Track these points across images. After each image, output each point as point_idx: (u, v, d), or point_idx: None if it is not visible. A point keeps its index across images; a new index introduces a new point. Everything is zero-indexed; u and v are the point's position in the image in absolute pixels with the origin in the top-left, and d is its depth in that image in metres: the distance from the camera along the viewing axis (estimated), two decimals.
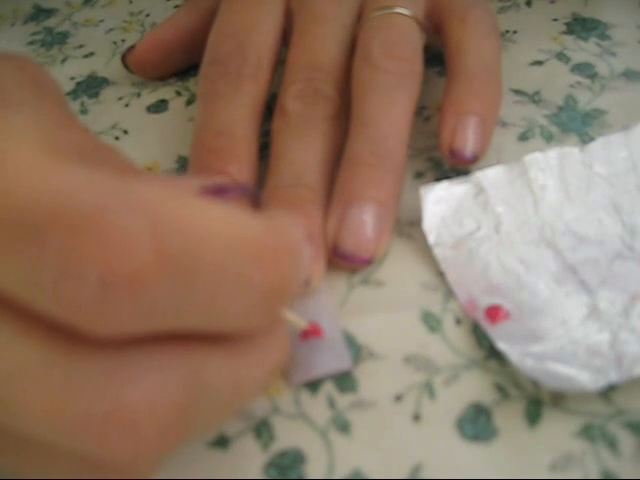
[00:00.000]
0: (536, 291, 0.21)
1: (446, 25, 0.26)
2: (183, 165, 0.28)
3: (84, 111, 0.32)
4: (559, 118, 0.27)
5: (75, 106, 0.32)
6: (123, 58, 0.32)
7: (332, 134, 0.25)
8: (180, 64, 0.33)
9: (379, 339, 0.21)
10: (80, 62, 0.36)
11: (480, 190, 0.24)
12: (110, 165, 0.18)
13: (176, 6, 0.39)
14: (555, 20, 0.33)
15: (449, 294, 0.22)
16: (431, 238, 0.23)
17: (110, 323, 0.13)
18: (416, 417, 0.19)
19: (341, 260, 0.22)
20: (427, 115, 0.29)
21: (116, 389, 0.13)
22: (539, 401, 0.19)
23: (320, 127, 0.24)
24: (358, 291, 0.22)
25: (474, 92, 0.24)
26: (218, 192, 0.16)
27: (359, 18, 0.27)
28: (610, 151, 0.24)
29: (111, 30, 0.38)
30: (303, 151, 0.24)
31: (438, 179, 0.25)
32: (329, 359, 0.20)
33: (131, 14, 0.39)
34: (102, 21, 0.39)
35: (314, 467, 0.18)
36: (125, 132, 0.30)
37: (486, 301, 0.21)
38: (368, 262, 0.22)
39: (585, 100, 0.28)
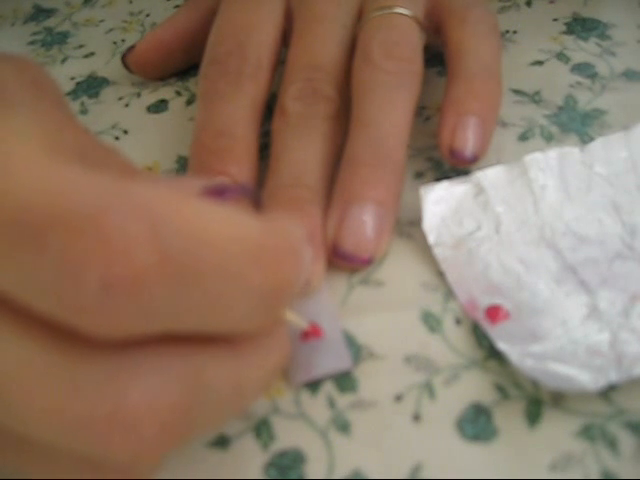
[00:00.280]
0: (536, 291, 0.21)
1: (446, 25, 0.26)
2: (183, 165, 0.28)
3: (84, 111, 0.32)
4: (559, 118, 0.27)
5: (75, 106, 0.33)
6: (123, 58, 0.32)
7: (332, 134, 0.25)
8: (180, 64, 0.33)
9: (379, 339, 0.21)
10: (80, 62, 0.36)
11: (480, 190, 0.24)
12: (110, 166, 0.18)
13: (176, 6, 0.39)
14: (555, 20, 0.33)
15: (449, 294, 0.22)
16: (431, 238, 0.23)
17: (111, 324, 0.13)
18: (416, 417, 0.19)
19: (341, 260, 0.22)
20: (427, 115, 0.29)
21: (117, 390, 0.13)
22: (539, 401, 0.19)
23: (320, 127, 0.24)
24: (358, 291, 0.22)
25: (474, 92, 0.24)
26: (218, 193, 0.16)
27: (359, 18, 0.27)
28: (610, 151, 0.24)
29: (111, 30, 0.38)
30: (303, 151, 0.24)
31: (438, 179, 0.25)
32: (329, 359, 0.20)
33: (131, 14, 0.39)
34: (102, 21, 0.39)
35: (314, 467, 0.18)
36: (125, 132, 0.30)
37: (486, 301, 0.21)
38: (368, 262, 0.22)
39: (585, 100, 0.28)
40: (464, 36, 0.26)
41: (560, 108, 0.28)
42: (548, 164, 0.24)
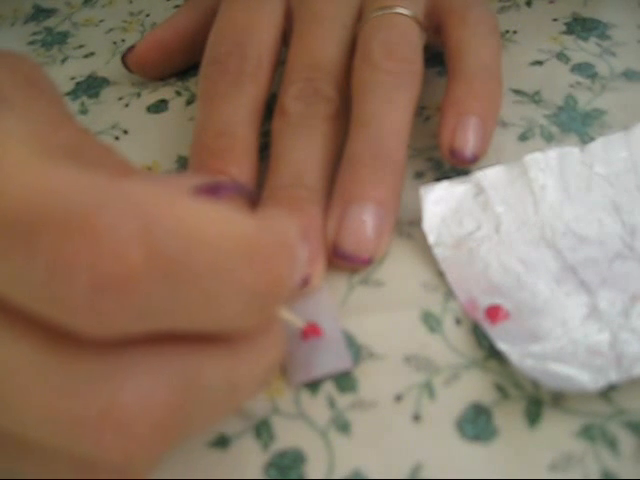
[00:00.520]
0: (536, 291, 0.21)
1: (446, 25, 0.26)
2: (183, 165, 0.28)
3: (84, 111, 0.32)
4: (559, 118, 0.27)
5: (75, 106, 0.33)
6: (123, 58, 0.32)
7: (332, 134, 0.25)
8: (180, 64, 0.33)
9: (379, 339, 0.21)
10: (80, 62, 0.36)
11: (480, 190, 0.24)
12: (105, 165, 0.18)
13: (176, 6, 0.39)
14: (555, 20, 0.33)
15: (449, 294, 0.22)
16: (431, 238, 0.23)
17: (102, 324, 0.13)
18: (416, 417, 0.19)
19: (341, 260, 0.22)
20: (427, 115, 0.29)
21: (110, 389, 0.13)
22: (539, 401, 0.19)
23: (320, 127, 0.24)
24: (358, 291, 0.22)
25: (474, 92, 0.24)
26: (212, 191, 0.16)
27: (359, 18, 0.27)
28: (610, 151, 0.24)
29: (111, 30, 0.38)
30: (303, 151, 0.24)
31: (438, 179, 0.25)
32: (329, 359, 0.20)
33: (131, 14, 0.39)
34: (102, 21, 0.39)
35: (314, 467, 0.18)
36: (125, 132, 0.30)
37: (486, 301, 0.21)
38: (368, 262, 0.22)
39: (585, 100, 0.28)
40: (464, 36, 0.26)
41: (560, 108, 0.28)
42: (548, 164, 0.24)
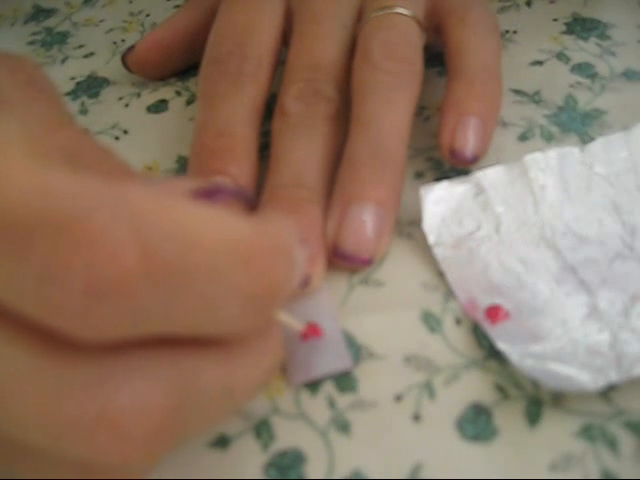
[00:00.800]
0: (536, 291, 0.21)
1: (446, 25, 0.26)
2: (183, 165, 0.28)
3: (84, 111, 0.32)
4: (559, 118, 0.27)
5: (75, 106, 0.33)
6: (123, 58, 0.32)
7: (332, 134, 0.25)
8: (180, 64, 0.33)
9: (379, 339, 0.21)
10: (80, 62, 0.36)
11: (480, 190, 0.24)
12: (103, 167, 0.17)
13: (176, 6, 0.39)
14: (555, 20, 0.33)
15: (449, 294, 0.22)
16: (431, 238, 0.23)
17: (96, 328, 0.13)
18: (416, 417, 0.19)
19: (341, 260, 0.22)
20: (427, 115, 0.29)
21: (105, 393, 0.13)
22: (539, 401, 0.19)
23: (320, 127, 0.24)
24: (358, 291, 0.22)
25: (474, 92, 0.24)
26: (209, 195, 0.16)
27: (359, 18, 0.27)
28: (610, 151, 0.24)
29: (111, 30, 0.38)
30: (303, 151, 0.24)
31: (438, 179, 0.25)
32: (329, 359, 0.20)
33: (131, 14, 0.39)
34: (102, 21, 0.39)
35: (314, 467, 0.18)
36: (125, 132, 0.30)
37: (486, 301, 0.21)
38: (368, 262, 0.22)
39: (585, 100, 0.28)
40: (464, 36, 0.26)
41: (560, 108, 0.28)
42: (548, 164, 0.24)
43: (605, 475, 0.17)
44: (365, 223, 0.22)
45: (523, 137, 0.27)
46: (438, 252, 0.23)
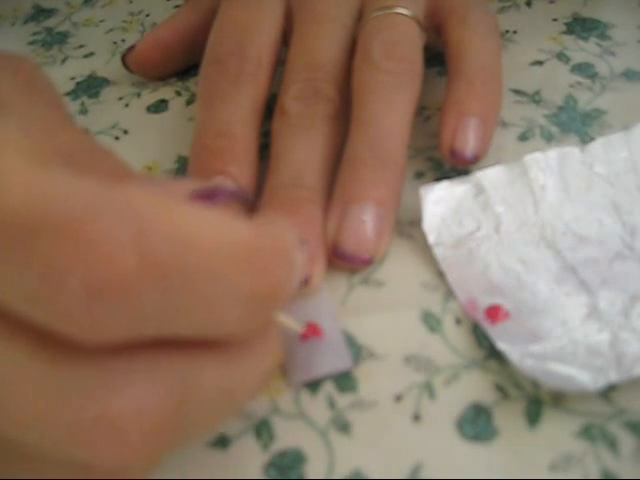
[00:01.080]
0: (536, 291, 0.21)
1: (446, 26, 0.26)
2: (183, 165, 0.28)
3: (84, 111, 0.32)
4: (559, 118, 0.27)
5: (75, 106, 0.33)
6: (123, 58, 0.32)
7: (332, 134, 0.25)
8: (180, 64, 0.33)
9: (379, 339, 0.21)
10: (80, 62, 0.36)
11: (480, 190, 0.24)
12: (102, 169, 0.17)
13: (176, 6, 0.39)
14: (555, 20, 0.33)
15: (449, 294, 0.22)
16: (431, 238, 0.23)
17: (95, 330, 0.12)
18: (416, 417, 0.19)
19: (341, 260, 0.22)
20: (427, 115, 0.29)
21: (103, 395, 0.13)
22: (539, 401, 0.19)
23: (320, 127, 0.24)
24: (358, 291, 0.22)
25: (475, 93, 0.24)
26: (208, 196, 0.16)
27: (359, 18, 0.27)
28: (610, 151, 0.24)
29: (111, 30, 0.38)
30: (303, 151, 0.24)
31: (438, 179, 0.25)
32: (329, 359, 0.20)
33: (131, 14, 0.39)
34: (102, 21, 0.39)
35: (314, 467, 0.18)
36: (125, 132, 0.30)
37: (486, 301, 0.21)
38: (368, 262, 0.22)
39: (585, 100, 0.28)
40: (464, 36, 0.26)
41: (560, 108, 0.28)
42: (548, 164, 0.24)
43: (605, 475, 0.17)
44: (365, 223, 0.22)
45: (523, 137, 0.27)
46: (438, 252, 0.23)
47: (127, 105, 0.32)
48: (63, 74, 0.35)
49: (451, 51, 0.26)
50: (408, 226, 0.24)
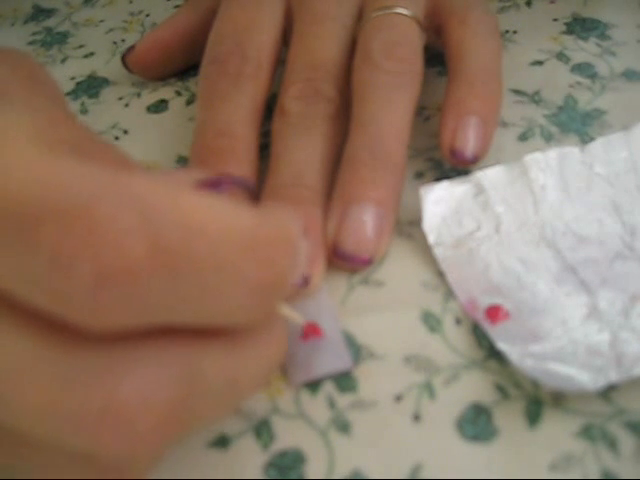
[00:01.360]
0: (536, 291, 0.21)
1: (447, 26, 0.26)
2: (183, 165, 0.28)
3: (84, 111, 0.32)
4: (559, 118, 0.27)
5: (75, 106, 0.33)
6: (123, 58, 0.32)
7: (332, 134, 0.25)
8: (180, 64, 0.33)
9: (379, 339, 0.21)
10: (80, 62, 0.36)
11: (480, 190, 0.24)
12: (105, 160, 0.17)
13: (176, 6, 0.39)
14: (555, 20, 0.33)
15: (449, 294, 0.22)
16: (431, 238, 0.23)
17: (103, 317, 0.13)
18: (416, 417, 0.19)
19: (341, 260, 0.22)
20: (427, 115, 0.29)
21: (110, 384, 0.13)
22: (539, 401, 0.19)
23: (320, 127, 0.24)
24: (358, 291, 0.22)
25: (475, 93, 0.24)
26: (213, 185, 0.16)
27: (359, 18, 0.27)
28: (610, 151, 0.24)
29: (111, 30, 0.38)
30: (303, 151, 0.24)
31: (438, 179, 0.25)
32: (329, 359, 0.20)
33: (131, 14, 0.39)
34: (102, 21, 0.39)
35: (314, 467, 0.18)
36: (125, 132, 0.30)
37: (486, 301, 0.21)
38: (368, 262, 0.22)
39: (585, 100, 0.28)
40: (465, 37, 0.26)
41: (560, 108, 0.28)
42: (548, 164, 0.24)
43: (605, 475, 0.17)
44: (365, 223, 0.22)
45: (523, 137, 0.27)
46: (438, 252, 0.23)
47: (127, 105, 0.32)
48: (63, 74, 0.35)
49: (451, 51, 0.26)
50: (408, 226, 0.24)
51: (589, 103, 0.28)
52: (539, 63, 0.30)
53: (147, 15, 0.39)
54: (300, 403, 0.20)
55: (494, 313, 0.20)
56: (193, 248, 0.13)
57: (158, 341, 0.14)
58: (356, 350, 0.21)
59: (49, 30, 0.39)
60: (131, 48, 0.32)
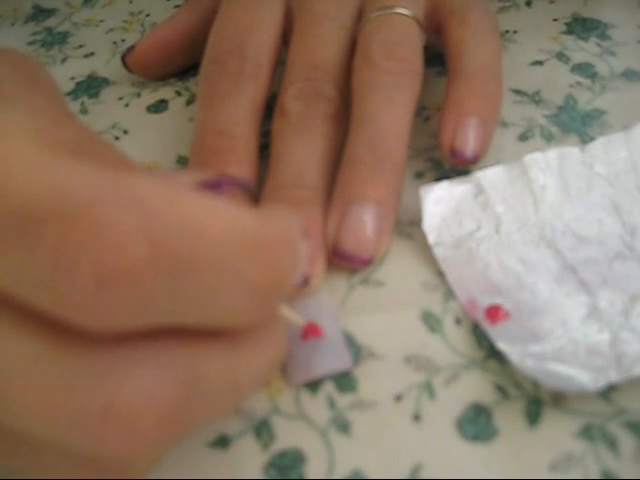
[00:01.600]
0: (536, 291, 0.21)
1: (446, 26, 0.26)
2: (183, 165, 0.28)
3: (84, 111, 0.32)
4: (559, 118, 0.27)
5: (75, 106, 0.33)
6: (123, 58, 0.32)
7: (332, 134, 0.25)
8: (180, 64, 0.33)
9: (379, 339, 0.21)
10: (80, 62, 0.36)
11: (480, 190, 0.24)
12: (106, 160, 0.18)
13: (176, 6, 0.39)
14: (555, 20, 0.33)
15: (449, 294, 0.22)
16: (431, 238, 0.23)
17: (104, 318, 0.13)
18: (416, 417, 0.19)
19: (341, 260, 0.22)
20: (427, 115, 0.29)
21: (111, 385, 0.13)
22: (539, 401, 0.19)
23: (320, 127, 0.24)
24: (358, 291, 0.22)
25: (475, 93, 0.24)
26: (214, 186, 0.16)
27: (359, 18, 0.27)
28: (610, 151, 0.24)
29: (111, 30, 0.38)
30: (303, 151, 0.24)
31: (438, 179, 0.25)
32: (329, 359, 0.20)
33: (131, 14, 0.39)
34: (102, 21, 0.39)
35: (314, 467, 0.18)
36: (125, 132, 0.30)
37: (486, 301, 0.21)
38: (368, 262, 0.22)
39: (585, 100, 0.28)
40: (464, 36, 0.26)
41: (560, 108, 0.28)
42: (548, 164, 0.24)
43: (605, 475, 0.17)
44: (365, 223, 0.22)
45: (523, 137, 0.27)
46: (438, 252, 0.23)
47: (127, 105, 0.32)
48: (63, 74, 0.35)
49: (451, 51, 0.26)
50: (408, 226, 0.24)
51: (589, 103, 0.28)
52: (539, 63, 0.30)
53: (147, 15, 0.39)
54: (300, 403, 0.20)
55: (494, 313, 0.20)
56: (194, 250, 0.13)
57: (159, 342, 0.14)
58: (356, 350, 0.21)
59: (49, 30, 0.39)
60: (131, 48, 0.32)
